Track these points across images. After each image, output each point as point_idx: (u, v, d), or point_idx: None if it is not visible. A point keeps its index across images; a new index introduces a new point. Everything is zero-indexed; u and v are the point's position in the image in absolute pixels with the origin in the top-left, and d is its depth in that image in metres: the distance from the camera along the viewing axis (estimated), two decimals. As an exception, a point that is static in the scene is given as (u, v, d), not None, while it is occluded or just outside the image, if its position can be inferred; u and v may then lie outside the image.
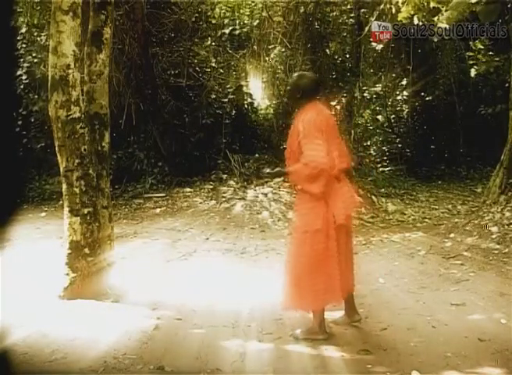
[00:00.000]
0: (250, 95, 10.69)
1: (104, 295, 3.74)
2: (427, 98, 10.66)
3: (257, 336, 3.11)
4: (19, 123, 9.01)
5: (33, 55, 8.97)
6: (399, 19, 5.15)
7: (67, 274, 3.70)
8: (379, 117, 11.27)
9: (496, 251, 4.81)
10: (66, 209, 3.73)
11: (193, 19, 9.50)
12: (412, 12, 5.03)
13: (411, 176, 9.76)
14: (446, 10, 4.68)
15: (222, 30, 9.88)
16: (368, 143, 10.61)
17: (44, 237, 6.02)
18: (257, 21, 9.67)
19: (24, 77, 8.99)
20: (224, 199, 8.03)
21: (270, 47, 9.50)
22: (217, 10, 10.15)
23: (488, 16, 3.82)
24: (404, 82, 10.91)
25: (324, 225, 2.89)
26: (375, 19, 6.55)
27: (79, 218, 3.71)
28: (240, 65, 10.13)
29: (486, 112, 8.59)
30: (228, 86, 9.98)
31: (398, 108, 11.39)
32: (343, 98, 9.41)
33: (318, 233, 2.90)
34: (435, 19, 4.87)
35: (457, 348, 2.84)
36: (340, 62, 10.29)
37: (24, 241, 5.67)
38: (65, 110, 3.61)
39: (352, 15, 9.99)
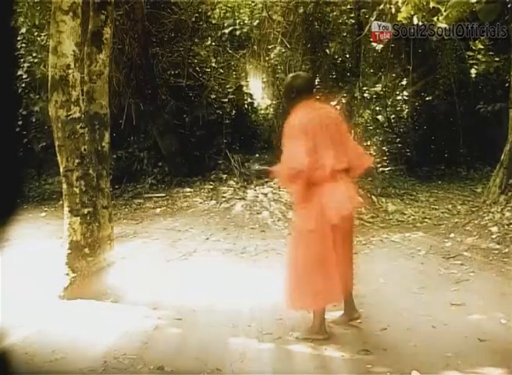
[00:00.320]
0: (250, 95, 10.70)
1: (104, 295, 3.74)
2: (427, 98, 10.65)
3: (257, 336, 3.11)
4: (20, 123, 9.01)
5: (33, 55, 8.97)
6: (398, 19, 5.14)
7: (67, 274, 3.71)
8: (379, 117, 11.26)
9: (496, 251, 4.81)
10: (66, 209, 3.73)
11: (193, 19, 9.49)
12: (412, 12, 5.02)
13: (411, 176, 9.76)
14: (445, 10, 4.67)
15: (223, 31, 9.87)
16: (368, 143, 10.60)
17: (44, 237, 6.02)
18: (257, 21, 9.66)
19: (24, 77, 8.99)
20: (224, 199, 8.03)
21: (270, 47, 9.48)
22: (217, 10, 10.15)
23: (488, 16, 3.82)
24: (404, 82, 10.90)
25: (318, 225, 2.88)
26: (375, 19, 6.54)
27: (79, 218, 3.71)
28: (240, 65, 10.12)
29: (486, 110, 8.57)
30: (228, 86, 9.99)
31: (398, 108, 11.39)
32: (343, 98, 9.40)
33: (312, 234, 2.90)
34: (435, 19, 4.87)
35: (457, 348, 2.83)
36: (340, 62, 10.28)
37: (24, 241, 5.67)
38: (65, 110, 3.62)
39: (352, 15, 9.98)
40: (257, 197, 8.01)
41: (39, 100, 8.90)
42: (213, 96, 9.80)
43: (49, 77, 3.65)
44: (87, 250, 3.74)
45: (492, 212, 5.49)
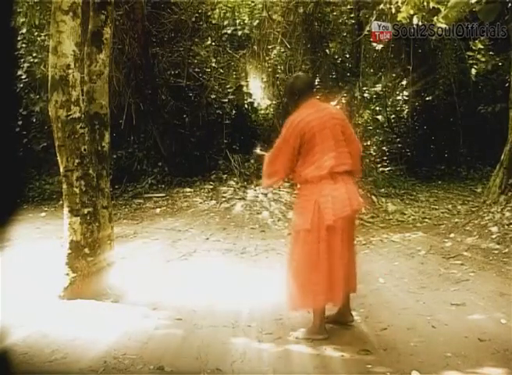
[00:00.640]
0: (250, 95, 10.69)
1: (104, 295, 3.74)
2: (427, 98, 10.64)
3: (257, 336, 3.11)
4: (20, 123, 9.01)
5: (33, 55, 8.96)
6: (398, 19, 5.14)
7: (67, 274, 3.71)
8: (379, 117, 11.26)
9: (496, 251, 4.81)
10: (66, 209, 3.73)
11: (193, 20, 9.50)
12: (412, 12, 5.03)
13: (411, 176, 9.75)
14: (445, 9, 4.67)
15: (223, 31, 9.88)
16: (368, 143, 10.60)
17: (44, 237, 6.01)
18: (257, 21, 9.67)
19: (24, 77, 8.99)
20: (224, 199, 8.04)
21: (270, 47, 9.49)
22: (217, 10, 10.15)
23: (487, 16, 3.82)
24: (404, 82, 10.89)
25: (313, 225, 2.89)
26: (375, 19, 6.54)
27: (79, 218, 3.71)
28: (240, 65, 10.12)
29: (486, 111, 8.58)
30: (228, 86, 9.98)
31: (398, 108, 11.38)
32: (343, 98, 9.40)
33: (309, 233, 2.91)
34: (435, 19, 4.87)
35: (457, 348, 2.84)
36: (340, 62, 10.28)
37: (24, 241, 5.67)
38: (65, 110, 3.61)
39: (352, 15, 9.99)
40: (257, 197, 8.01)
41: (39, 100, 8.90)
42: (213, 96, 9.79)
43: (49, 77, 3.65)
44: (87, 250, 3.74)
45: (492, 212, 5.49)
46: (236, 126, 10.10)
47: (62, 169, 3.73)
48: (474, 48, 6.29)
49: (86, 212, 3.73)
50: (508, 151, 5.66)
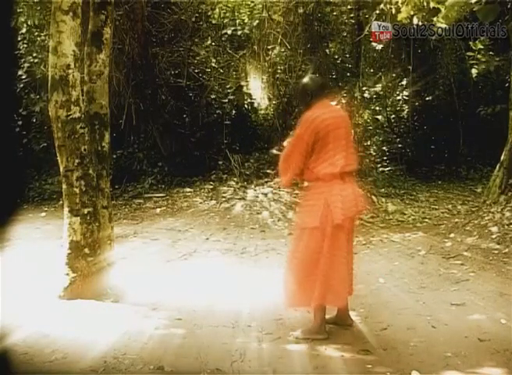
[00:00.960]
0: (250, 95, 10.68)
1: (104, 295, 3.75)
2: (427, 98, 10.64)
3: (257, 336, 3.11)
4: (19, 123, 9.01)
5: (33, 55, 8.96)
6: (398, 19, 5.14)
7: (67, 274, 3.71)
8: (379, 117, 11.25)
9: (496, 251, 4.81)
10: (66, 209, 3.73)
11: (193, 20, 9.50)
12: (412, 12, 5.03)
13: (411, 176, 9.74)
14: (444, 9, 4.68)
15: (223, 31, 9.87)
16: (368, 143, 10.59)
17: (44, 237, 6.01)
18: (257, 21, 9.66)
19: (24, 77, 8.98)
20: (224, 199, 8.03)
21: (270, 47, 9.49)
22: (217, 10, 10.15)
23: (487, 16, 3.81)
24: (404, 82, 10.89)
25: (322, 223, 2.90)
26: (375, 19, 6.54)
27: (79, 218, 3.71)
28: (240, 65, 10.12)
29: (486, 112, 8.58)
30: (228, 86, 9.97)
31: (398, 108, 11.37)
32: (343, 98, 9.39)
33: (315, 231, 2.93)
34: (435, 19, 4.87)
35: (457, 348, 2.84)
36: (340, 62, 10.27)
37: (24, 241, 5.67)
38: (65, 110, 3.62)
39: (352, 15, 9.98)
40: (257, 197, 8.01)
41: (39, 100, 8.90)
42: (213, 96, 9.79)
43: (49, 77, 3.65)
44: (87, 250, 3.74)
45: (492, 212, 5.50)
46: (236, 127, 10.09)
47: (62, 169, 3.73)
48: (474, 48, 6.28)
49: (86, 212, 3.73)
50: (508, 151, 5.67)
